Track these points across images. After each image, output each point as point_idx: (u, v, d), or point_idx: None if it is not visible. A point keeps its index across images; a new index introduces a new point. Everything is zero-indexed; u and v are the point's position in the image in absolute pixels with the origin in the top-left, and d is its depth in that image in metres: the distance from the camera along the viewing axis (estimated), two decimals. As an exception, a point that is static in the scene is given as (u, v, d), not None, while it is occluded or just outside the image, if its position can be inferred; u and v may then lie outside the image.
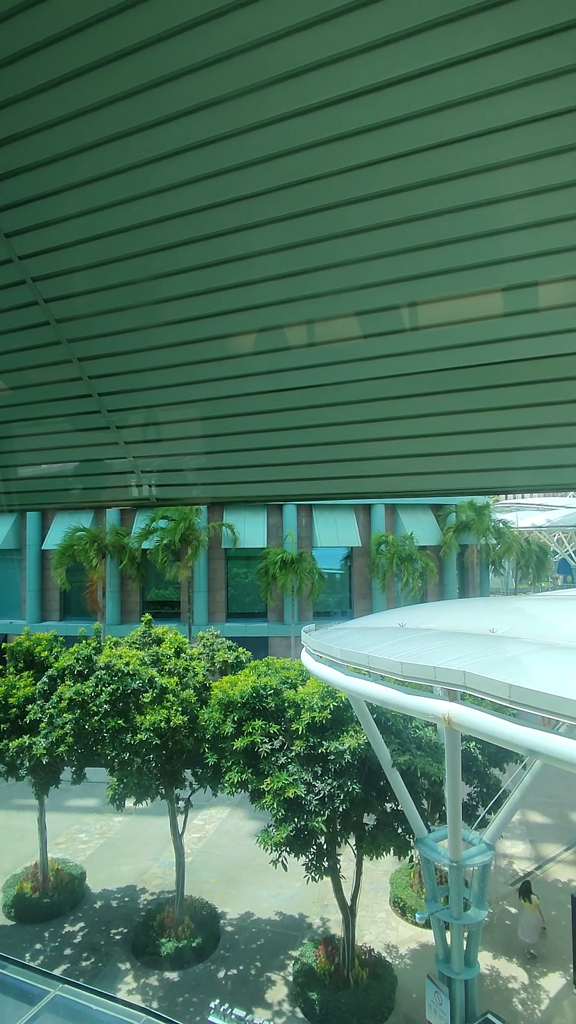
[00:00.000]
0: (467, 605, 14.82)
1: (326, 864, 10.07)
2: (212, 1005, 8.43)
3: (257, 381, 3.77)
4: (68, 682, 12.15)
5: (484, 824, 10.12)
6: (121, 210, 2.89)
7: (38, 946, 12.53)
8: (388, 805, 10.26)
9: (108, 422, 4.29)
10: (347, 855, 11.07)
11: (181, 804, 12.54)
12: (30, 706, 12.50)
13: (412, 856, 10.44)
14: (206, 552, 26.23)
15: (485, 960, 11.60)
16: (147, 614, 14.22)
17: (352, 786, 9.50)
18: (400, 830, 10.17)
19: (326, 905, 13.25)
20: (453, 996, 8.87)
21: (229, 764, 10.54)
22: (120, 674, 11.50)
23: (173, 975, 11.64)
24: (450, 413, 3.72)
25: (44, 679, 12.80)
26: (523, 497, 45.71)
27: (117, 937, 12.73)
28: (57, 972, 10.61)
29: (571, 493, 42.79)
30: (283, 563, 24.51)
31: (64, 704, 11.67)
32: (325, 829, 9.51)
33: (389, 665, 6.78)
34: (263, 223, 2.84)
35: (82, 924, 13.21)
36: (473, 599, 25.12)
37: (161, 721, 11.06)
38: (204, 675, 12.90)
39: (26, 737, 12.24)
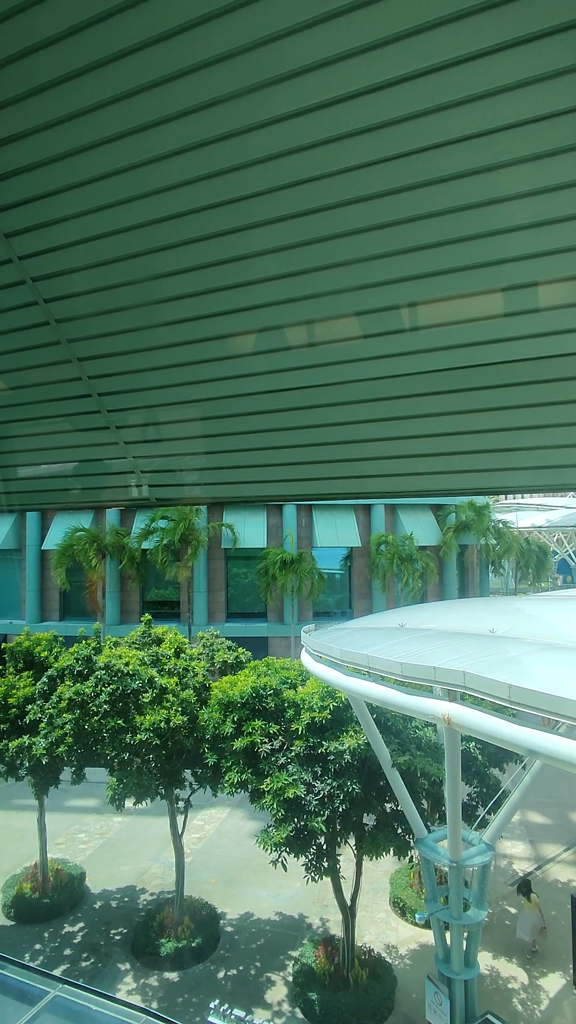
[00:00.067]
0: (467, 605, 14.82)
1: (326, 864, 10.07)
2: (212, 1005, 8.43)
3: (257, 381, 3.77)
4: (68, 682, 12.15)
5: (484, 824, 10.12)
6: (121, 210, 2.89)
7: (38, 946, 12.52)
8: (388, 805, 10.26)
9: (108, 422, 4.29)
10: (347, 855, 11.07)
11: (181, 804, 12.53)
12: (30, 706, 12.50)
13: (412, 856, 10.44)
14: (206, 552, 26.23)
15: (485, 960, 11.60)
16: (147, 614, 14.22)
17: (352, 786, 9.49)
18: (400, 830, 10.17)
19: (326, 905, 13.24)
20: (453, 996, 8.87)
21: (229, 764, 10.54)
22: (120, 674, 11.49)
23: (173, 975, 11.63)
24: (450, 413, 3.72)
25: (44, 679, 12.79)
26: (523, 497, 45.71)
27: (117, 937, 12.73)
28: (57, 972, 10.60)
29: (571, 493, 42.80)
30: (283, 563, 24.50)
31: (64, 704, 11.67)
32: (325, 829, 9.51)
33: (389, 665, 6.78)
34: (263, 223, 2.84)
35: (82, 924, 13.20)
36: (473, 599, 25.12)
37: (161, 721, 11.06)
38: (204, 675, 12.90)
39: (26, 737, 12.24)
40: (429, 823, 10.15)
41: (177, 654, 13.13)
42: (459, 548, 28.68)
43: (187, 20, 2.16)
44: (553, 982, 11.32)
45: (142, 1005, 9.31)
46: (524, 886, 12.50)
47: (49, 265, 3.27)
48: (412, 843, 9.81)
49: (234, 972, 11.76)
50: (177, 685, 12.16)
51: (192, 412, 4.18)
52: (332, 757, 9.66)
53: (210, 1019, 8.22)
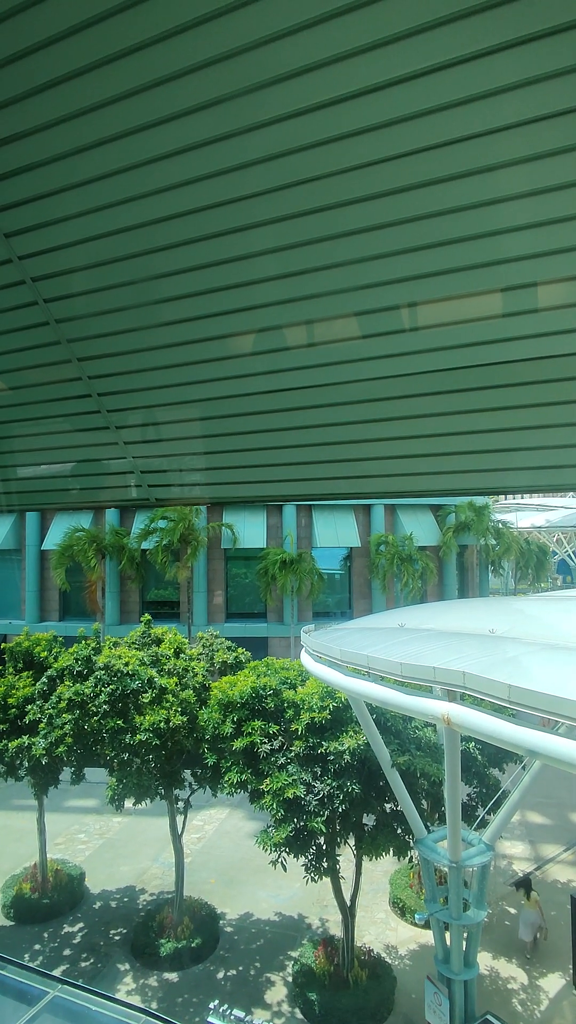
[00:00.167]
0: (467, 605, 14.83)
1: (325, 865, 10.07)
2: (211, 1006, 8.42)
3: (257, 381, 3.77)
4: (67, 682, 12.15)
5: (483, 824, 10.12)
6: (121, 210, 2.88)
7: (37, 947, 12.52)
8: (387, 805, 10.26)
9: (107, 422, 4.29)
10: (346, 856, 11.07)
11: (180, 804, 12.53)
12: (29, 706, 12.49)
13: (411, 857, 10.44)
14: (205, 552, 26.22)
15: (484, 961, 11.59)
16: (146, 614, 14.22)
17: (351, 786, 9.49)
18: (399, 830, 10.17)
19: (325, 906, 13.24)
20: (452, 997, 8.87)
21: (228, 764, 10.54)
22: (119, 674, 11.49)
23: (172, 976, 11.63)
24: (450, 413, 3.72)
25: (43, 679, 12.79)
26: (522, 497, 45.72)
27: (116, 938, 12.72)
28: (56, 973, 10.59)
29: (571, 493, 42.81)
30: (283, 563, 24.51)
31: (63, 704, 11.67)
32: (324, 829, 9.50)
33: (389, 665, 6.78)
34: (263, 223, 2.83)
35: (81, 925, 13.20)
36: (473, 599, 25.13)
37: (160, 721, 11.06)
38: (203, 675, 12.90)
39: (25, 737, 12.23)
40: (429, 823, 10.14)
41: (177, 654, 13.13)
42: (459, 548, 28.69)
43: (187, 20, 2.15)
44: (553, 982, 11.31)
45: (142, 1005, 9.31)
46: (524, 884, 12.51)
47: (49, 265, 3.26)
48: (412, 843, 9.81)
49: (234, 972, 11.75)
50: (177, 685, 12.16)
51: (192, 412, 4.18)
52: (332, 757, 9.66)
53: (209, 1019, 8.22)
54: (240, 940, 12.66)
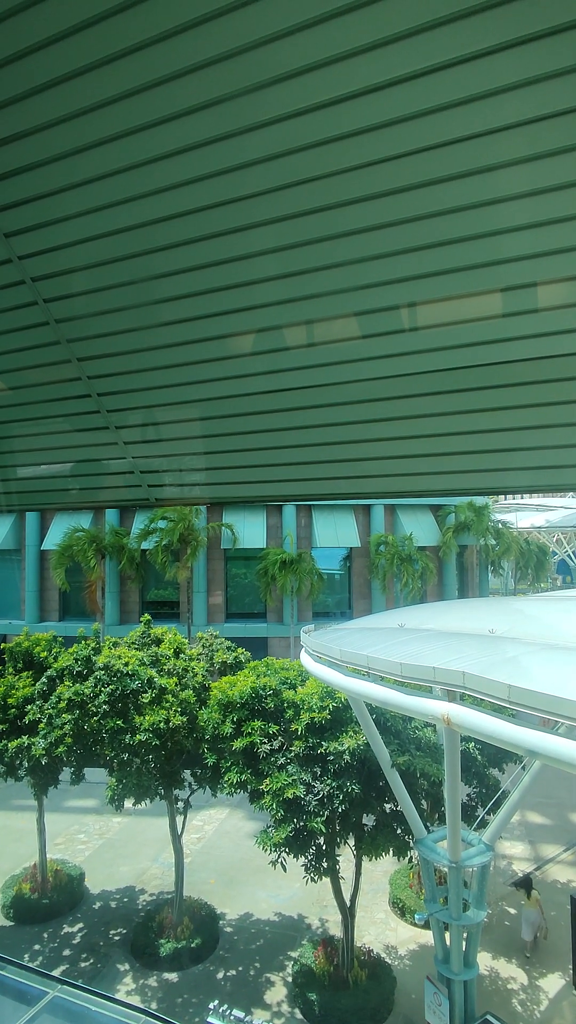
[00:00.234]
0: (466, 606, 14.83)
1: (325, 865, 10.07)
2: (211, 1006, 8.42)
3: (257, 381, 3.77)
4: (67, 682, 12.14)
5: (483, 825, 10.12)
6: (121, 210, 2.88)
7: (37, 947, 12.51)
8: (387, 806, 10.26)
9: (107, 422, 4.29)
10: (346, 856, 11.07)
11: (180, 805, 12.53)
12: (29, 706, 12.49)
13: (411, 857, 10.44)
14: (205, 552, 26.22)
15: (484, 961, 11.59)
16: (146, 614, 14.22)
17: (351, 787, 9.49)
18: (399, 831, 10.17)
19: (325, 906, 13.24)
20: (452, 997, 8.87)
21: (228, 765, 10.54)
22: (119, 674, 11.49)
23: (172, 976, 11.63)
24: (450, 413, 3.72)
25: (43, 679, 12.79)
26: (522, 498, 45.74)
27: (116, 938, 12.72)
28: (56, 973, 10.59)
29: (571, 493, 42.83)
30: (282, 564, 24.51)
31: (63, 705, 11.66)
32: (324, 830, 9.50)
33: (388, 666, 6.78)
34: (263, 223, 2.83)
35: (81, 925, 13.19)
36: (472, 599, 25.13)
37: (160, 722, 11.06)
38: (203, 676, 12.90)
39: (25, 738, 12.23)
40: (428, 823, 10.14)
41: (176, 654, 13.12)
42: (458, 548, 28.70)
43: (187, 20, 2.15)
44: (552, 983, 11.31)
45: (141, 1006, 9.31)
46: (525, 883, 12.52)
47: (49, 265, 3.26)
48: (411, 843, 9.81)
49: (233, 973, 11.75)
50: (176, 685, 12.16)
51: (192, 412, 4.18)
52: (331, 757, 9.66)
53: (209, 1019, 8.22)
54: (240, 940, 12.66)
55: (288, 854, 9.75)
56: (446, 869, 8.85)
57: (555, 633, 7.77)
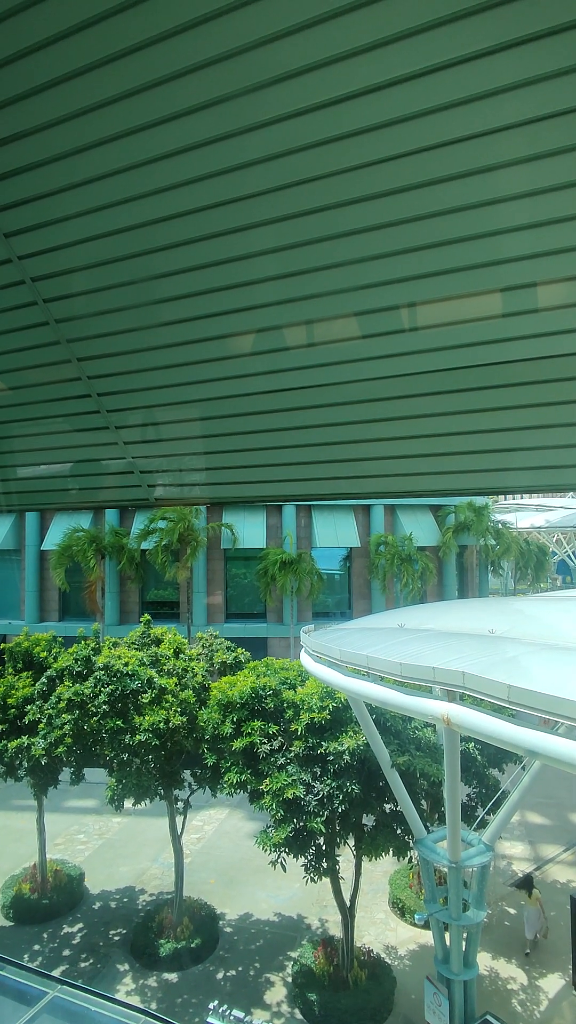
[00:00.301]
0: (466, 606, 14.83)
1: (325, 865, 10.07)
2: (211, 1006, 8.42)
3: (257, 381, 3.77)
4: (67, 683, 12.14)
5: (483, 825, 10.12)
6: (121, 210, 2.89)
7: (36, 947, 12.51)
8: (387, 806, 10.26)
9: (107, 422, 4.29)
10: (346, 856, 11.06)
11: (180, 805, 12.53)
12: (29, 707, 12.49)
13: (411, 857, 10.44)
14: (205, 553, 26.22)
15: (484, 961, 11.59)
16: (146, 614, 14.21)
17: (351, 787, 9.49)
18: (399, 831, 10.16)
19: (325, 906, 13.24)
20: (452, 997, 8.86)
21: (228, 765, 10.53)
22: (119, 675, 11.48)
23: (172, 976, 11.62)
24: (450, 413, 3.72)
25: (43, 680, 12.79)
26: (522, 498, 45.75)
27: (116, 938, 12.71)
28: (56, 973, 10.59)
29: (571, 493, 42.84)
30: (282, 564, 24.51)
31: (63, 705, 11.66)
32: (324, 830, 9.50)
33: (388, 666, 6.78)
34: (262, 223, 2.84)
35: (81, 925, 13.19)
36: (472, 600, 25.13)
37: (160, 722, 11.05)
38: (203, 676, 12.89)
39: (25, 738, 12.23)
40: (428, 824, 10.14)
41: (176, 654, 13.12)
42: (458, 549, 28.70)
43: (187, 20, 2.16)
44: (552, 983, 11.31)
45: (141, 1006, 9.30)
46: (526, 882, 12.53)
47: (49, 265, 3.27)
48: (411, 844, 9.81)
49: (233, 973, 11.75)
50: (176, 686, 12.15)
51: (191, 412, 4.18)
52: (331, 758, 9.66)
53: (209, 1020, 8.21)
54: (240, 940, 12.65)
55: (288, 854, 9.75)
56: (446, 869, 8.85)
57: (555, 633, 7.77)
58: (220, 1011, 8.23)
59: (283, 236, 2.87)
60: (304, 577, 24.66)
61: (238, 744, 10.17)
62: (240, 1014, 8.17)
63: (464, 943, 9.05)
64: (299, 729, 9.97)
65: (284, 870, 9.75)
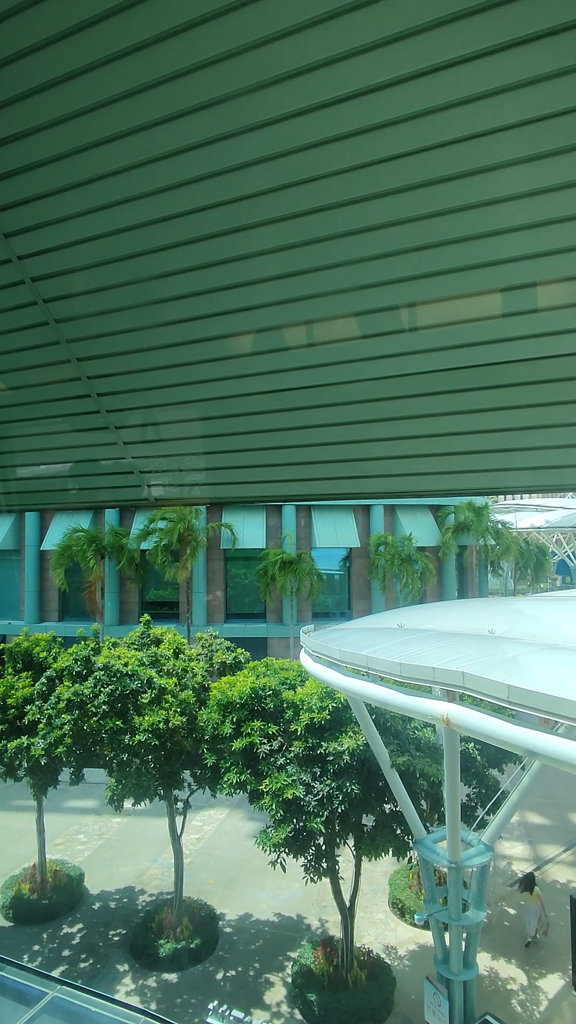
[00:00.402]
0: (466, 606, 14.83)
1: (325, 865, 10.06)
2: (211, 1007, 8.41)
3: (257, 381, 3.77)
4: (66, 683, 12.14)
5: (483, 825, 10.12)
6: (121, 210, 2.88)
7: (36, 947, 12.50)
8: (387, 806, 10.26)
9: (107, 422, 4.29)
10: (346, 856, 11.06)
11: (180, 805, 12.52)
12: (28, 707, 12.48)
13: (411, 857, 10.44)
14: (205, 553, 26.22)
15: (484, 961, 11.59)
16: (146, 615, 14.21)
17: (351, 787, 9.49)
18: (399, 831, 10.16)
19: (325, 906, 13.23)
20: (452, 997, 8.86)
21: (228, 765, 10.53)
22: (119, 675, 11.48)
23: (172, 976, 11.62)
24: (450, 413, 3.72)
25: (42, 680, 12.78)
26: (522, 498, 45.77)
27: (115, 938, 12.71)
28: (55, 973, 10.58)
29: (571, 493, 42.86)
30: (282, 564, 24.51)
31: (62, 705, 11.66)
32: (324, 830, 9.50)
33: (388, 666, 6.78)
34: (262, 223, 2.84)
35: (80, 925, 13.18)
36: (472, 600, 25.13)
37: (160, 722, 11.05)
38: (203, 676, 12.89)
39: (24, 738, 12.23)
40: (428, 824, 10.14)
41: (176, 655, 13.12)
42: (458, 549, 28.71)
43: (187, 20, 2.16)
44: (552, 983, 11.31)
45: (141, 1006, 9.30)
46: (528, 881, 12.54)
47: (49, 265, 3.26)
48: (411, 844, 9.80)
49: (233, 973, 11.74)
50: (176, 686, 12.15)
51: (191, 412, 4.18)
52: (331, 758, 9.66)
53: (209, 1020, 8.21)
54: (239, 941, 12.65)
55: (288, 854, 9.74)
56: (446, 869, 8.84)
57: (555, 633, 7.77)
58: (220, 1011, 8.23)
59: (283, 236, 2.87)
60: (304, 577, 24.66)
61: (238, 744, 10.17)
62: (240, 1014, 8.16)
63: (464, 943, 9.05)
64: (299, 729, 9.96)
65: (284, 870, 9.75)
